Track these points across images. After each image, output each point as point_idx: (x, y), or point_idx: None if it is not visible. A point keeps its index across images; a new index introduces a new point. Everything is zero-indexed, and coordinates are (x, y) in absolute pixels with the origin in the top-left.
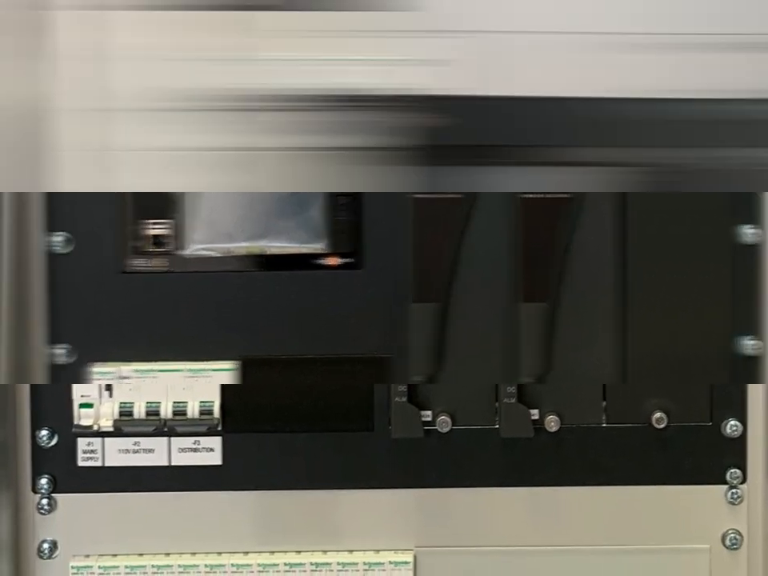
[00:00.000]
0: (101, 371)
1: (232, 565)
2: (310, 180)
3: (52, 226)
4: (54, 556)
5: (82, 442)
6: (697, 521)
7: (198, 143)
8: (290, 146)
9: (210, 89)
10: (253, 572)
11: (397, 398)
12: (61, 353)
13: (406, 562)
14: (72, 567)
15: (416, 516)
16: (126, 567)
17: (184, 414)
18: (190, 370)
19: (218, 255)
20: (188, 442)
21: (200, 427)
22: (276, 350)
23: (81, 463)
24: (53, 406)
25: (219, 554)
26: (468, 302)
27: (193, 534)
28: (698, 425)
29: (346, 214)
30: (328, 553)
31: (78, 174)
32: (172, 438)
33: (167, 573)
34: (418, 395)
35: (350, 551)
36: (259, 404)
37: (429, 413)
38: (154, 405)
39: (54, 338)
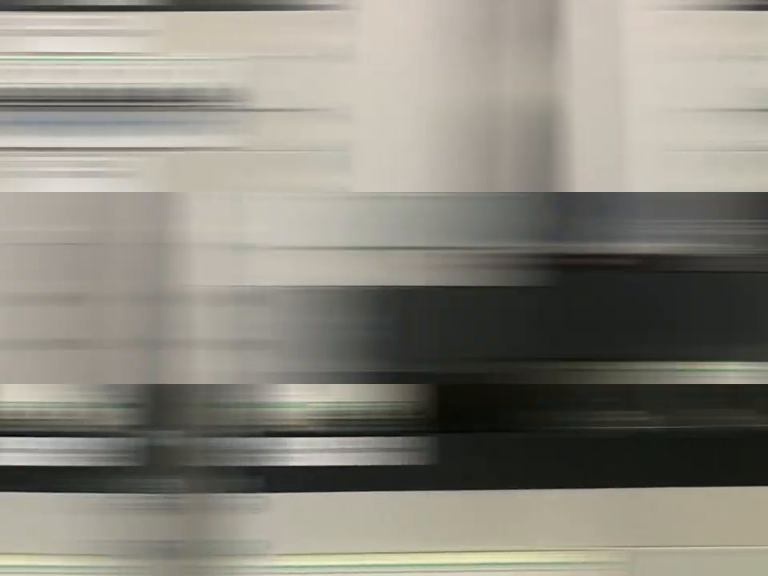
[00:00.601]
0: None
1: (439, 564)
2: None
3: None
4: (264, 555)
5: (292, 442)
6: None
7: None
8: None
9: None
10: (464, 571)
11: (596, 399)
12: None
13: (615, 562)
14: (283, 567)
15: (625, 516)
16: (336, 566)
17: (393, 412)
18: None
19: None
20: (395, 441)
21: (408, 426)
22: None
23: (291, 463)
24: (265, 405)
25: (428, 553)
26: None
27: (400, 533)
28: None
29: None
30: (535, 553)
31: (595, 175)
32: (379, 438)
33: (376, 572)
34: (627, 394)
35: (558, 551)
36: (474, 403)
37: (640, 413)
38: (363, 404)
39: None
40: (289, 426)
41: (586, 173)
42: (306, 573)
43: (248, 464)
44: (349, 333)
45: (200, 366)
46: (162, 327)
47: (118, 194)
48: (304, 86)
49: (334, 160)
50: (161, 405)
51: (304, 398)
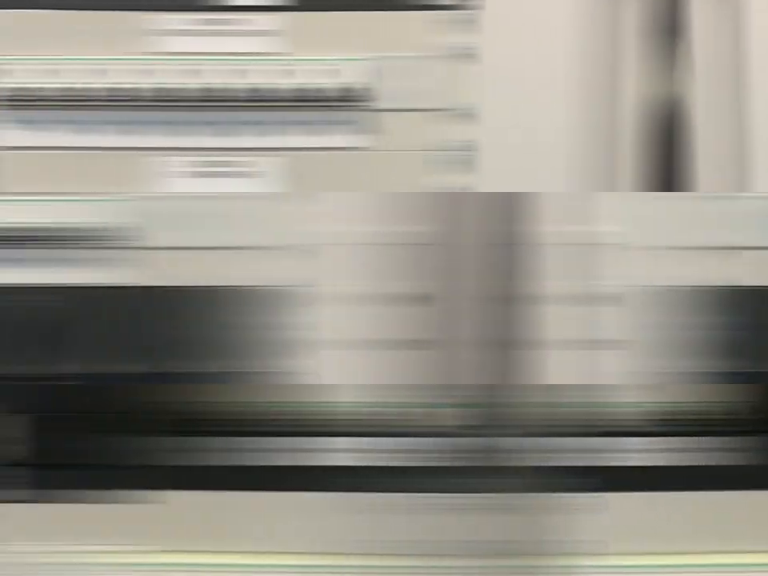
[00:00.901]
0: None
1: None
2: None
3: None
4: (601, 555)
5: (628, 442)
6: None
7: None
8: None
9: None
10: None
11: None
12: None
13: None
14: (619, 566)
15: None
16: (671, 566)
17: (728, 412)
18: None
19: None
20: (731, 441)
21: (743, 426)
22: None
23: (628, 463)
24: (602, 405)
25: (760, 552)
26: None
27: (735, 532)
28: None
29: None
30: None
31: (719, 176)
32: (714, 438)
33: (708, 572)
34: None
35: None
36: None
37: None
38: (698, 404)
39: None
40: (625, 425)
41: (710, 174)
42: (641, 572)
43: (584, 464)
44: (704, 333)
45: (548, 366)
46: (512, 327)
47: (469, 193)
48: (428, 85)
49: (459, 160)
50: (498, 405)
51: (640, 397)
